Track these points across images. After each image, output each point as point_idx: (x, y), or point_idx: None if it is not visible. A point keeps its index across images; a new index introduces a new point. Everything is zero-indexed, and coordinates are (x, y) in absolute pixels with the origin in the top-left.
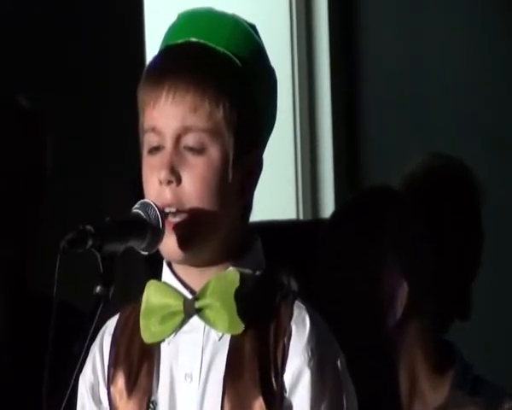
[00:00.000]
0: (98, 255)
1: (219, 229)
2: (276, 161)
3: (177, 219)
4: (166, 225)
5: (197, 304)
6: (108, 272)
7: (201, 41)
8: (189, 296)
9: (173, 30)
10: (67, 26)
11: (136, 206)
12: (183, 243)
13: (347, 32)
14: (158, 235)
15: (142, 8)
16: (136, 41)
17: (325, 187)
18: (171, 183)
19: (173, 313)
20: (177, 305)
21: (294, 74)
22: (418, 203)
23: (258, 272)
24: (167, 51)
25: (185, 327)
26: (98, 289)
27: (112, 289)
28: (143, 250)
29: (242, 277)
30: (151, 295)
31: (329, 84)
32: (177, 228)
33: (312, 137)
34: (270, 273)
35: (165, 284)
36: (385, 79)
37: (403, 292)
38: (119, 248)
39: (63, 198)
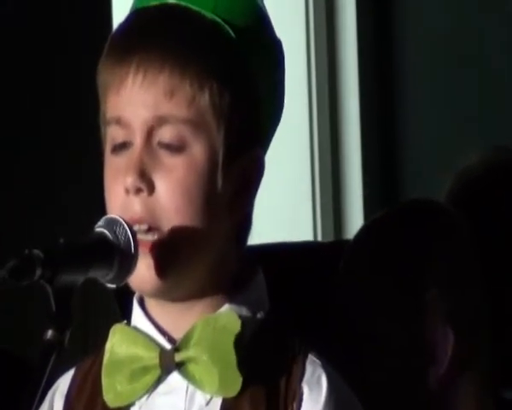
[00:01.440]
0: (49, 289)
1: (205, 252)
2: (287, 168)
3: (149, 238)
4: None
5: (178, 357)
6: (63, 312)
7: (182, 3)
8: (168, 346)
9: None
10: None
11: (100, 223)
12: (158, 269)
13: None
14: (129, 262)
15: None
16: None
17: (350, 202)
18: (140, 191)
19: (146, 369)
20: (152, 357)
21: (311, 63)
22: (474, 215)
23: (259, 315)
24: (136, 16)
25: (162, 387)
26: (49, 333)
27: (67, 335)
28: (110, 282)
29: (239, 320)
30: (117, 344)
31: (357, 78)
32: (151, 250)
33: (334, 139)
34: (276, 316)
35: (135, 329)
36: (423, 76)
37: (448, 341)
38: (78, 279)
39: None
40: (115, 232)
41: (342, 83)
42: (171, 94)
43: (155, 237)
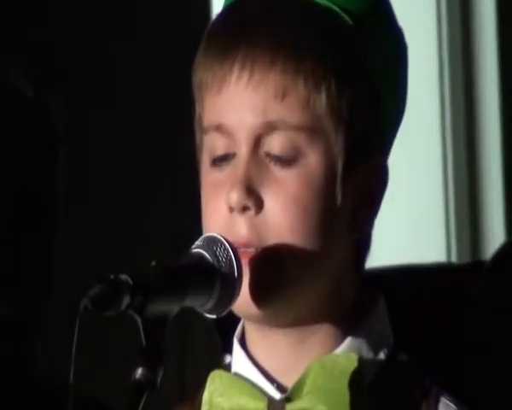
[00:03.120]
0: (139, 321)
1: (320, 276)
2: (414, 178)
3: (253, 253)
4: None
5: (289, 408)
6: (155, 347)
7: None
8: (277, 395)
9: None
10: None
11: (198, 243)
12: (264, 290)
13: None
14: (232, 287)
15: None
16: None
17: (489, 217)
18: (247, 209)
19: None
20: (259, 409)
21: (443, 57)
22: None
23: (382, 353)
24: (238, 4)
25: None
26: (139, 372)
27: (160, 373)
28: (210, 312)
29: (361, 362)
30: (216, 393)
31: (498, 76)
32: (256, 266)
33: (470, 144)
34: (402, 354)
35: (237, 376)
36: None
37: None
38: (172, 308)
39: (83, 235)
40: (215, 253)
41: (480, 81)
42: (282, 95)
43: (262, 256)
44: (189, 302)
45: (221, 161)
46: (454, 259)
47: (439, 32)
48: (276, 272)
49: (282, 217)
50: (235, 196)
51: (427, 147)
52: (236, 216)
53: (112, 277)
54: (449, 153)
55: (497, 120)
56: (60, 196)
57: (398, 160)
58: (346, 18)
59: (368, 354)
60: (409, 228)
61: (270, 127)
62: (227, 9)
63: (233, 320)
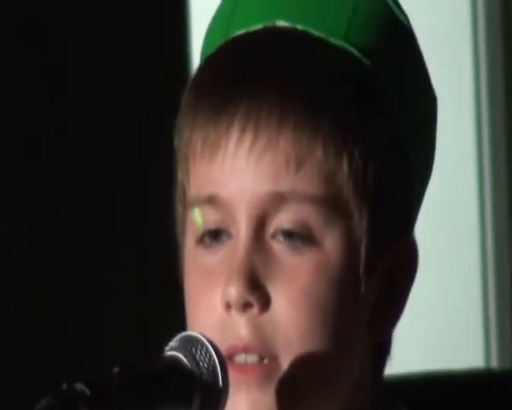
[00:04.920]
0: None
1: (337, 387)
2: (445, 259)
3: (254, 360)
4: (236, 373)
5: None
6: None
7: (298, 27)
8: None
9: (237, 4)
10: None
11: (173, 343)
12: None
13: None
14: (216, 401)
15: None
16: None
17: None
18: (249, 307)
19: None
20: None
21: (481, 110)
22: None
23: None
24: (233, 48)
25: None
26: None
27: None
28: None
29: None
30: None
31: None
32: (257, 380)
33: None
34: None
35: None
36: None
37: None
38: None
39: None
40: (194, 357)
41: None
42: (297, 164)
43: (263, 364)
44: None
45: (212, 239)
46: (494, 364)
47: (476, 77)
48: (290, 391)
49: (291, 317)
50: (235, 292)
51: (464, 231)
52: (235, 315)
53: (65, 386)
54: (488, 240)
55: None
56: None
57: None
58: (368, 63)
59: None
60: (438, 326)
61: (278, 200)
62: (218, 55)
63: None
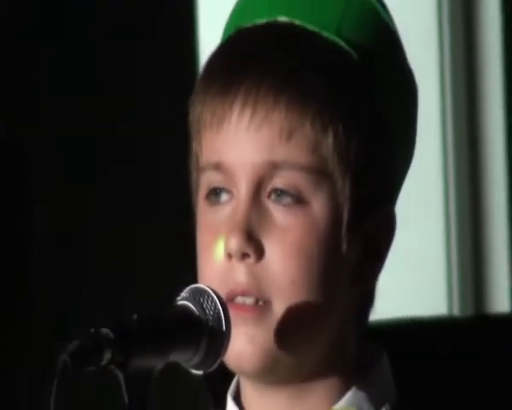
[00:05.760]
0: (121, 377)
1: (322, 330)
2: (415, 227)
3: (251, 302)
4: (235, 311)
5: None
6: (138, 405)
7: (296, 22)
8: None
9: (247, 3)
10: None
11: (183, 294)
12: (261, 347)
13: None
14: (220, 342)
15: None
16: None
17: (493, 268)
18: (246, 257)
19: None
20: None
21: (446, 100)
22: None
23: None
24: (240, 38)
25: None
26: None
27: None
28: (196, 368)
29: None
30: None
31: (503, 118)
32: (254, 321)
33: (474, 191)
34: None
35: None
36: None
37: None
38: (156, 364)
39: (64, 286)
40: (202, 306)
41: (485, 123)
42: (288, 135)
43: (260, 307)
44: (174, 357)
45: (218, 196)
46: (456, 311)
47: (442, 78)
48: (279, 328)
49: (283, 266)
50: (235, 243)
51: (429, 195)
52: (235, 263)
53: (92, 331)
54: (452, 202)
55: (503, 176)
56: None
57: (398, 208)
58: (356, 55)
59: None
60: (409, 280)
61: (273, 167)
62: (227, 44)
63: (224, 374)
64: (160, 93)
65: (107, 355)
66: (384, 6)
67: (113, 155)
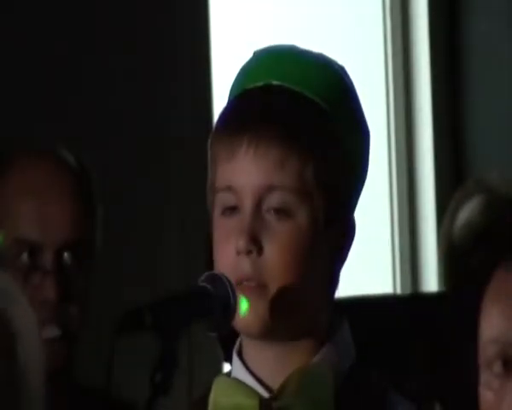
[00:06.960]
0: (158, 336)
1: (306, 302)
2: (367, 224)
3: (254, 285)
4: (242, 291)
5: (276, 404)
6: (171, 355)
7: (285, 85)
8: (266, 395)
9: (250, 70)
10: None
11: (202, 278)
12: (262, 315)
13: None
14: (229, 312)
15: (209, 43)
16: (200, 89)
17: (426, 252)
18: (250, 253)
19: None
20: (252, 406)
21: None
22: None
23: (347, 364)
24: (246, 96)
25: None
26: (158, 376)
27: (174, 376)
28: (211, 331)
29: (331, 369)
30: (220, 394)
31: (432, 140)
32: (256, 296)
33: (411, 195)
34: (362, 367)
35: (235, 380)
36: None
37: None
38: (183, 325)
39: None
40: (216, 286)
41: (418, 145)
42: (281, 165)
43: (261, 289)
44: (196, 322)
45: (230, 211)
46: (399, 290)
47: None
48: (273, 307)
49: (277, 260)
50: (242, 243)
51: (378, 200)
52: (242, 257)
53: (137, 303)
54: (395, 205)
55: (432, 185)
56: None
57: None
58: (328, 108)
59: (337, 363)
60: (361, 264)
61: (270, 188)
62: (237, 99)
63: (232, 336)
64: None
65: (149, 320)
66: (346, 73)
67: None
